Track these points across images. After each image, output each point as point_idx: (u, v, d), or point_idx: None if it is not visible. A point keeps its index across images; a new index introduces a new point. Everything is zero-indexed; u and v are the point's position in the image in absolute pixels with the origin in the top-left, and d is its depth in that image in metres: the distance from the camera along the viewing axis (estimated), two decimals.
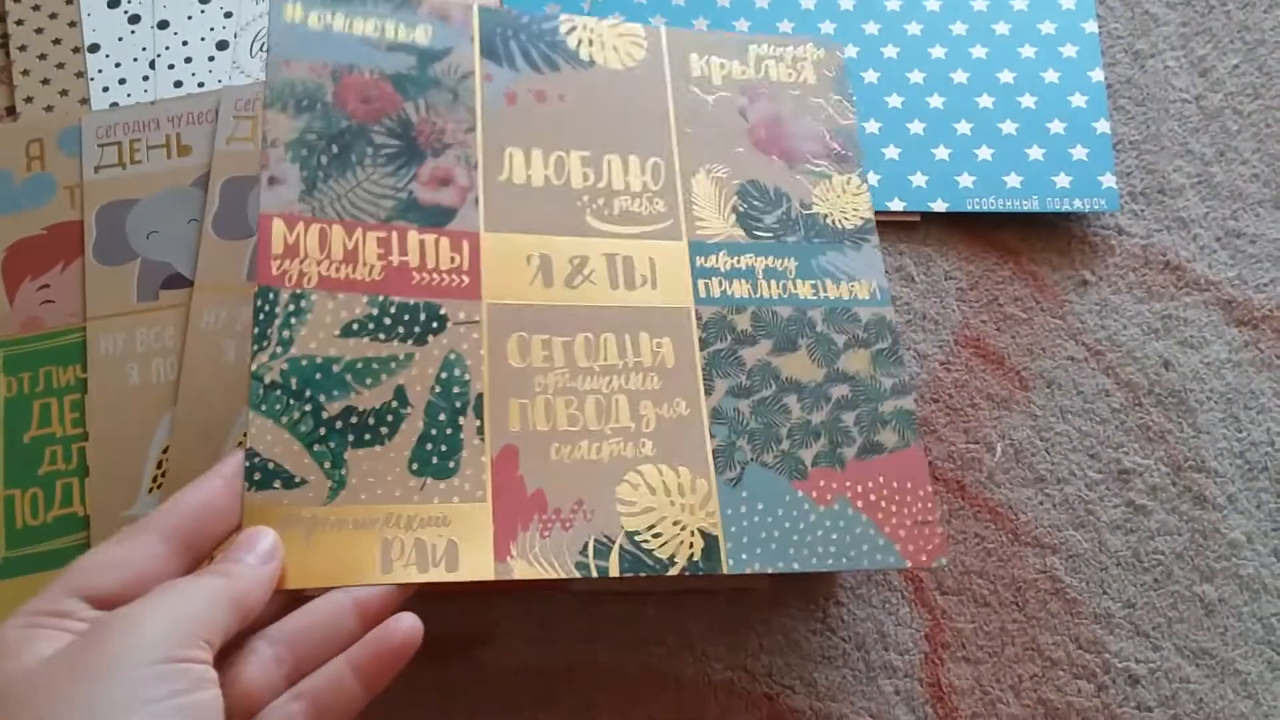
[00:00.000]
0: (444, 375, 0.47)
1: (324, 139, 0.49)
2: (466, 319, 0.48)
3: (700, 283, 0.51)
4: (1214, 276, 0.59)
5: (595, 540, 0.45)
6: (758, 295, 0.51)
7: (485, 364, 0.47)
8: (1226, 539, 0.54)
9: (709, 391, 0.49)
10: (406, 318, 0.47)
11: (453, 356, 0.47)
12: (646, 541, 0.46)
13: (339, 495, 0.44)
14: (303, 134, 0.49)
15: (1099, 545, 0.54)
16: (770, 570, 0.46)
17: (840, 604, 0.52)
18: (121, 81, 0.63)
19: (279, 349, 0.45)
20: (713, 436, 0.49)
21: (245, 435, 0.44)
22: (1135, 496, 0.54)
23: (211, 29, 0.64)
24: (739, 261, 0.52)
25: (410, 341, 0.47)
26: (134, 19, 0.65)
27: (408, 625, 0.41)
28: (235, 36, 0.64)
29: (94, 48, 0.64)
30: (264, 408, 0.44)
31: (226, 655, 0.38)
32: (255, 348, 0.45)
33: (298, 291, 0.46)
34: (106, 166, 0.60)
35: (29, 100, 0.63)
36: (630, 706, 0.51)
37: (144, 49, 0.64)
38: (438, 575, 0.43)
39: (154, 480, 0.54)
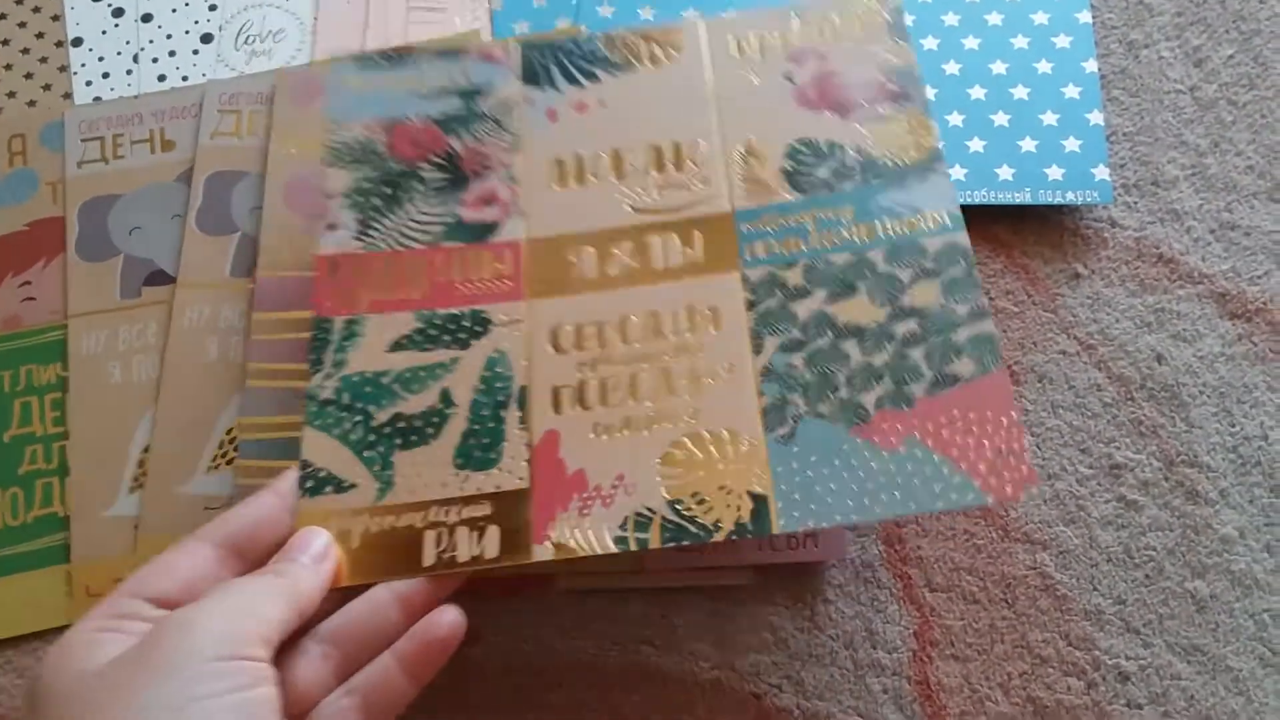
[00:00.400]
0: (487, 373, 0.49)
1: (377, 184, 0.53)
2: (510, 319, 0.49)
3: (746, 248, 0.50)
4: (1208, 269, 0.59)
5: (635, 514, 0.45)
6: (811, 248, 0.50)
7: (527, 358, 0.49)
8: (1218, 534, 0.53)
9: (758, 351, 0.48)
10: (451, 326, 0.50)
11: (496, 355, 0.49)
12: (690, 509, 0.45)
13: (387, 495, 0.46)
14: (359, 183, 0.53)
15: (1089, 541, 0.53)
16: (825, 525, 0.45)
17: (828, 601, 0.52)
18: (105, 76, 0.63)
19: (332, 369, 0.49)
20: (762, 395, 0.47)
21: (301, 448, 0.47)
22: (1127, 492, 0.54)
23: (196, 22, 0.64)
24: (788, 220, 0.51)
25: (455, 347, 0.49)
26: (118, 12, 0.64)
27: (451, 618, 0.42)
28: (220, 30, 0.64)
29: (77, 41, 0.63)
30: (317, 423, 0.48)
31: (279, 654, 0.39)
32: (311, 371, 0.49)
33: (350, 318, 0.50)
34: (89, 162, 0.60)
35: (11, 95, 0.62)
36: (617, 705, 0.50)
37: (127, 42, 0.63)
38: (478, 562, 0.45)
39: (135, 480, 0.54)
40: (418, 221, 0.52)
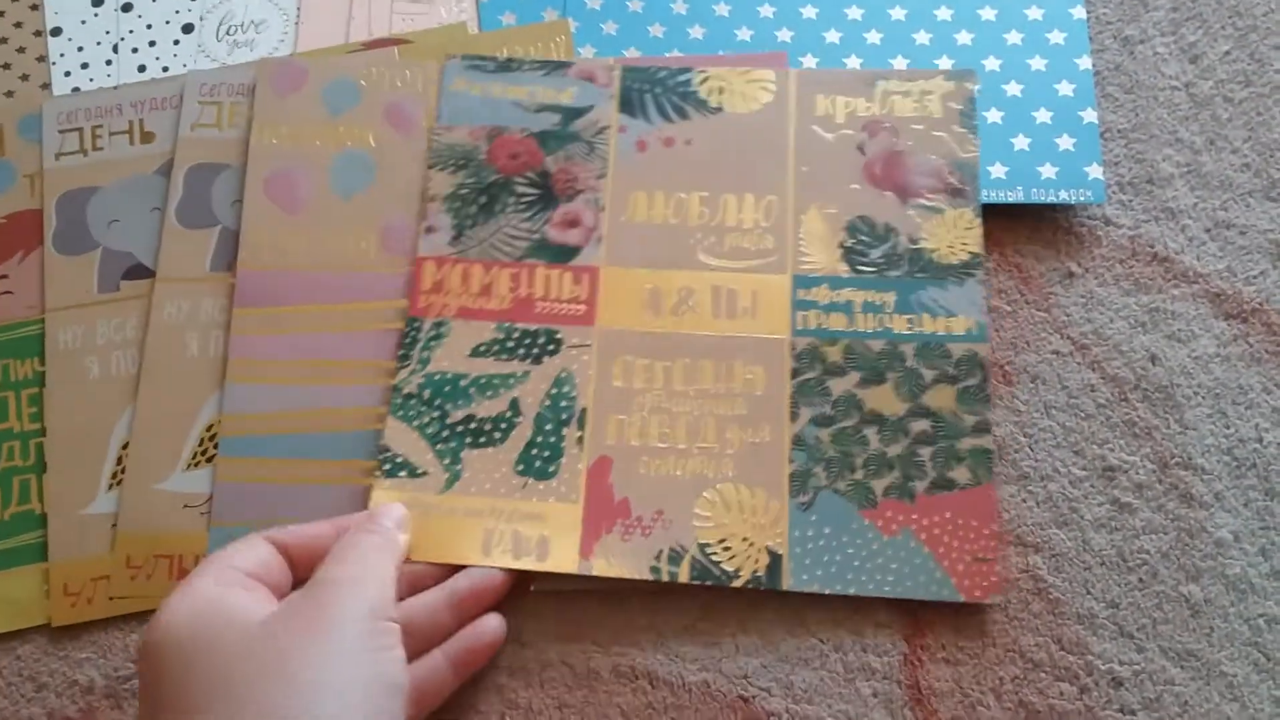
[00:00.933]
0: (554, 391, 0.53)
1: (475, 191, 0.57)
2: (580, 343, 0.54)
3: (799, 314, 0.54)
4: (1203, 269, 0.58)
5: (670, 548, 0.50)
6: (853, 328, 0.54)
7: (592, 383, 0.53)
8: (1213, 538, 0.52)
9: (794, 419, 0.53)
10: (528, 341, 0.54)
11: (564, 375, 0.53)
12: (716, 554, 0.50)
13: (453, 486, 0.52)
14: (457, 189, 0.57)
15: (1083, 544, 0.52)
16: (828, 591, 0.50)
17: (818, 605, 0.51)
18: (84, 66, 0.62)
19: (418, 366, 0.54)
20: (791, 461, 0.52)
21: (383, 434, 0.53)
22: (1120, 494, 0.53)
23: (176, 12, 0.63)
24: (839, 295, 0.55)
25: (529, 361, 0.54)
26: (97, 1, 0.63)
27: (494, 625, 0.49)
28: (201, 20, 0.63)
29: (56, 31, 0.62)
30: (400, 413, 0.53)
31: None
32: (399, 366, 0.54)
33: (439, 320, 0.54)
34: (67, 154, 0.59)
35: None
36: (603, 706, 0.49)
37: (107, 32, 0.62)
38: (528, 564, 0.50)
39: (113, 477, 0.53)
40: (508, 235, 0.56)
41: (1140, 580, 0.52)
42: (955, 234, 0.56)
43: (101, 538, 0.52)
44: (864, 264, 0.55)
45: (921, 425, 0.52)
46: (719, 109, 0.58)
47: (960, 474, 0.52)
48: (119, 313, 0.55)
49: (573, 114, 0.58)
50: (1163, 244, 0.59)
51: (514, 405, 0.53)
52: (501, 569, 0.49)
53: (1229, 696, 0.50)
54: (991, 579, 0.50)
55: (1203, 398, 0.55)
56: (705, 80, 0.59)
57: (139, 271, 0.56)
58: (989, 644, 0.50)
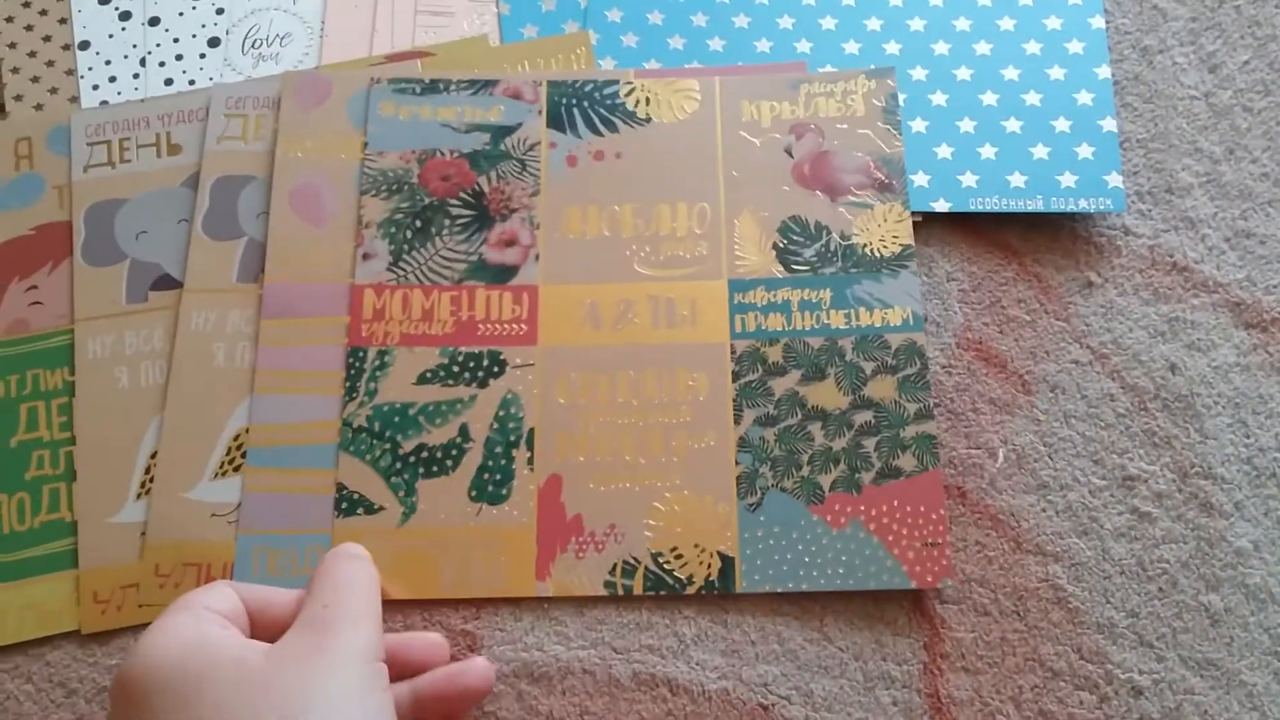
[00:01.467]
0: (501, 413, 0.53)
1: (409, 216, 0.57)
2: (523, 362, 0.54)
3: (737, 318, 0.55)
4: (1222, 278, 0.58)
5: (623, 561, 0.51)
6: (791, 327, 0.55)
7: (537, 402, 0.54)
8: (1233, 547, 0.53)
9: (738, 421, 0.53)
10: (472, 364, 0.54)
11: (510, 396, 0.54)
12: (669, 563, 0.51)
13: (410, 520, 0.52)
14: (392, 214, 0.57)
15: (1102, 553, 0.52)
16: (780, 590, 0.51)
17: (837, 612, 0.51)
18: (112, 79, 0.62)
19: (365, 398, 0.54)
20: (737, 464, 0.53)
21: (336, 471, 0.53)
22: (1140, 503, 0.53)
23: (203, 25, 0.64)
24: (775, 296, 0.55)
25: (474, 385, 0.54)
26: (124, 15, 0.64)
27: (480, 671, 0.47)
28: (227, 34, 0.63)
29: (84, 45, 0.63)
30: (351, 448, 0.53)
31: None
32: (346, 399, 0.54)
33: (382, 349, 0.54)
34: (95, 166, 0.59)
35: (18, 98, 0.62)
36: (622, 713, 0.50)
37: (134, 46, 0.63)
38: (486, 591, 0.51)
39: (142, 486, 0.53)
40: (446, 258, 0.56)
41: (1160, 589, 0.52)
42: (886, 228, 0.57)
43: (130, 546, 0.52)
44: (798, 263, 0.56)
45: (864, 417, 0.53)
46: (647, 119, 0.59)
47: (906, 461, 0.52)
48: (147, 323, 0.56)
49: (502, 132, 0.58)
50: (1182, 253, 0.59)
51: (463, 431, 0.53)
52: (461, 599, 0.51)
53: (1249, 706, 0.50)
54: (942, 563, 0.51)
55: (1223, 407, 0.55)
56: (631, 91, 0.59)
57: (166, 282, 0.57)
58: (1009, 653, 0.51)
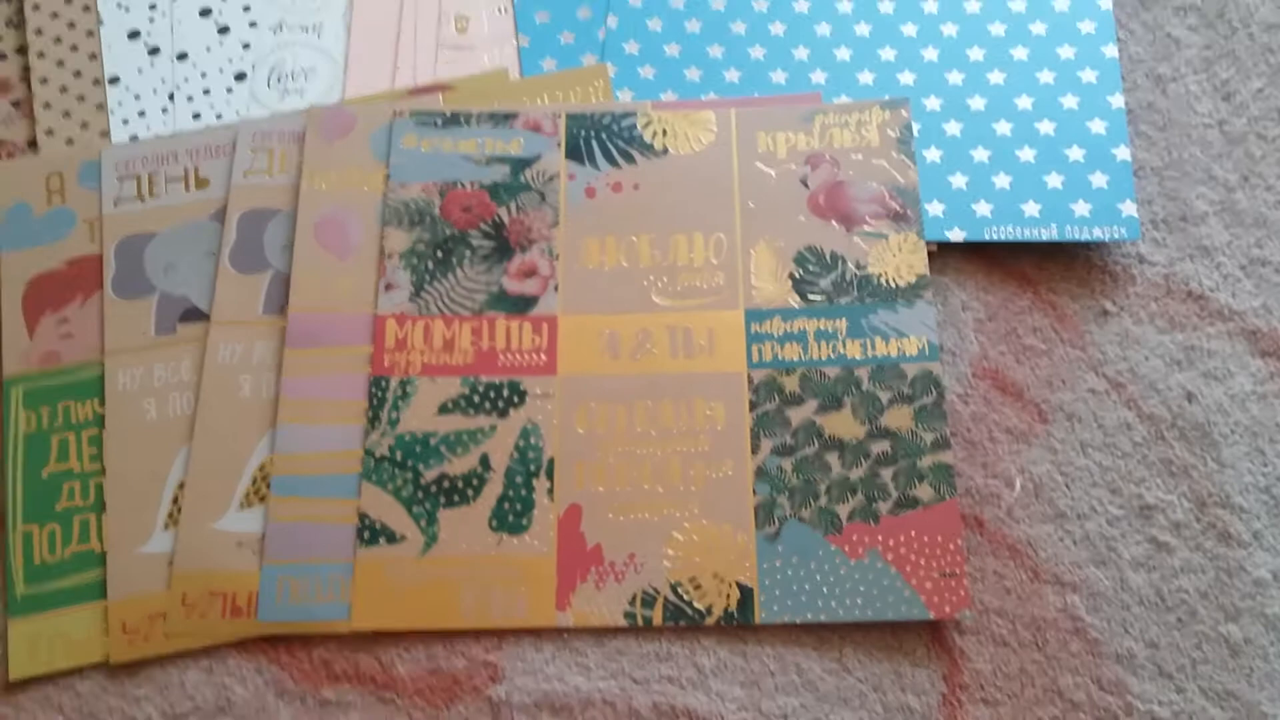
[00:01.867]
0: (521, 443, 0.54)
1: (431, 247, 0.58)
2: (543, 393, 0.55)
3: (754, 348, 0.56)
4: (1238, 306, 0.58)
5: (643, 591, 0.52)
6: (808, 357, 0.55)
7: (557, 432, 0.54)
8: (1252, 577, 0.53)
9: (755, 450, 0.54)
10: (492, 394, 0.55)
11: (530, 426, 0.54)
12: (688, 593, 0.52)
13: (431, 549, 0.52)
14: (414, 245, 0.57)
15: (1121, 583, 0.53)
16: (799, 621, 0.51)
17: (856, 643, 0.52)
18: (141, 114, 0.64)
19: (388, 428, 0.54)
20: (755, 494, 0.53)
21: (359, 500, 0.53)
22: (1158, 533, 0.54)
23: (230, 60, 0.65)
24: (791, 326, 0.56)
25: (495, 414, 0.54)
26: (154, 50, 0.65)
27: None
28: (253, 68, 0.65)
29: (114, 80, 0.64)
30: (374, 478, 0.53)
31: None
32: (368, 428, 0.54)
33: (404, 379, 0.55)
34: (125, 200, 0.61)
35: (50, 133, 0.63)
36: None
37: (163, 80, 0.64)
38: (506, 622, 0.51)
39: (169, 516, 0.54)
40: (467, 288, 0.57)
41: (1179, 620, 0.52)
42: (901, 258, 0.57)
43: (158, 576, 0.53)
44: (814, 293, 0.57)
45: (881, 446, 0.54)
46: (664, 151, 0.60)
47: (923, 491, 0.53)
48: (175, 355, 0.57)
49: (521, 164, 0.59)
50: (1197, 281, 0.59)
51: (484, 460, 0.54)
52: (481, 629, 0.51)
53: None
54: (960, 594, 0.51)
55: (1240, 436, 0.55)
56: (649, 124, 0.60)
57: (194, 314, 0.58)
58: (1028, 684, 0.51)
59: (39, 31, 0.65)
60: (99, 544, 0.54)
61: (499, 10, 0.65)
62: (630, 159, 0.60)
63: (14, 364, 0.57)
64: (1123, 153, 0.60)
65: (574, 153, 0.60)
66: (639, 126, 0.60)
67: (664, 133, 0.60)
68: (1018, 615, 0.52)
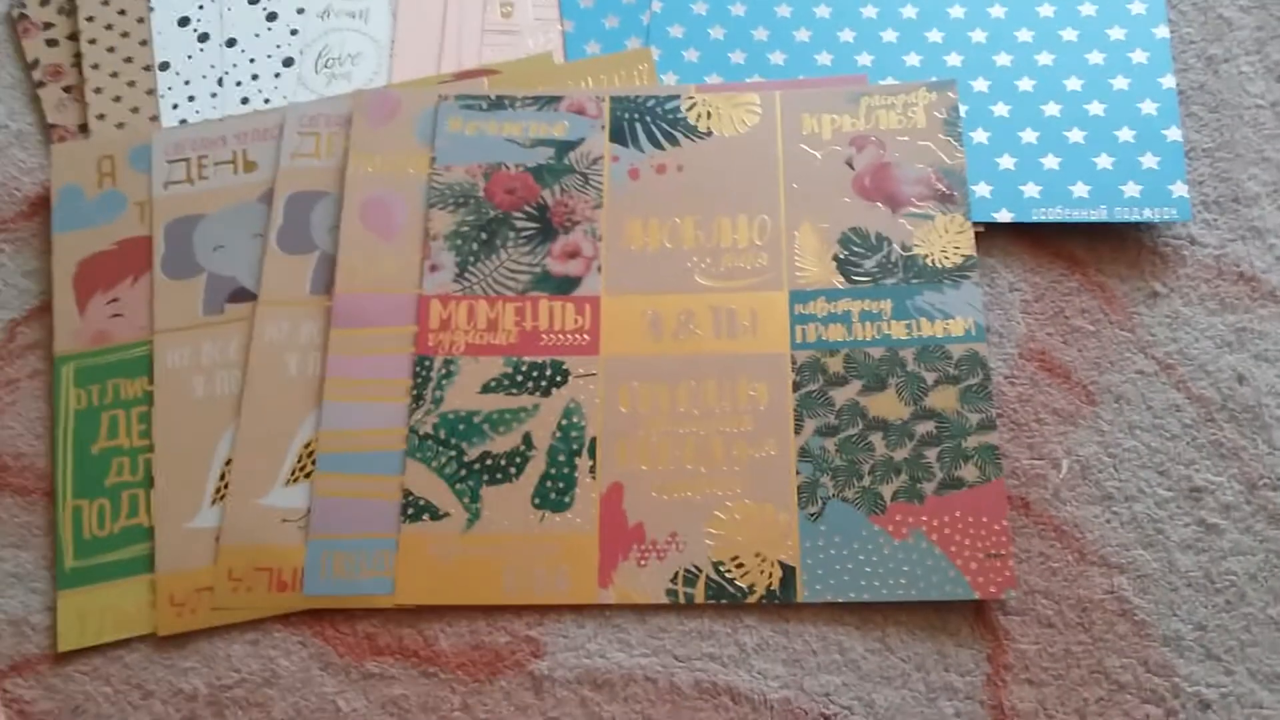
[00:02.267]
0: (564, 421, 0.54)
1: (475, 228, 0.58)
2: (585, 372, 0.55)
3: (798, 329, 0.56)
4: None
5: (685, 570, 0.52)
6: (852, 338, 0.55)
7: (600, 411, 0.54)
8: None
9: (798, 431, 0.54)
10: (535, 374, 0.55)
11: (572, 405, 0.55)
12: (730, 571, 0.52)
13: (474, 526, 0.53)
14: (458, 226, 0.58)
15: (1169, 565, 0.52)
16: (841, 600, 0.51)
17: (899, 623, 0.51)
18: (190, 99, 0.65)
19: (431, 406, 0.55)
20: (798, 474, 0.53)
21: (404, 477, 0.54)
22: (1207, 515, 0.53)
23: (278, 46, 0.66)
24: (835, 306, 0.56)
25: (538, 394, 0.55)
26: (203, 37, 0.66)
27: None
28: (300, 53, 0.65)
29: (164, 65, 0.65)
30: (418, 455, 0.54)
31: None
32: (413, 406, 0.55)
33: (448, 358, 0.56)
34: (175, 183, 0.61)
35: (101, 117, 0.64)
36: None
37: (212, 66, 0.65)
38: (549, 598, 0.52)
39: (216, 492, 0.55)
40: (510, 269, 0.57)
41: (1228, 602, 0.51)
42: (947, 239, 0.57)
43: (205, 551, 0.54)
44: (859, 274, 0.56)
45: (926, 427, 0.53)
46: (708, 133, 0.60)
47: (968, 472, 0.52)
48: (223, 334, 0.58)
49: (566, 147, 0.60)
50: (1249, 263, 0.58)
51: (527, 439, 0.54)
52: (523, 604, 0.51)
53: None
54: (1005, 574, 0.51)
55: None
56: (693, 106, 0.60)
57: (242, 295, 0.59)
58: (1073, 665, 0.50)
59: (90, 18, 0.66)
60: (147, 519, 0.55)
61: None
62: (674, 141, 0.60)
63: (65, 343, 0.58)
64: (1174, 133, 0.59)
65: (618, 135, 0.60)
66: (683, 109, 0.60)
67: (708, 115, 0.60)
68: (1063, 596, 0.52)
